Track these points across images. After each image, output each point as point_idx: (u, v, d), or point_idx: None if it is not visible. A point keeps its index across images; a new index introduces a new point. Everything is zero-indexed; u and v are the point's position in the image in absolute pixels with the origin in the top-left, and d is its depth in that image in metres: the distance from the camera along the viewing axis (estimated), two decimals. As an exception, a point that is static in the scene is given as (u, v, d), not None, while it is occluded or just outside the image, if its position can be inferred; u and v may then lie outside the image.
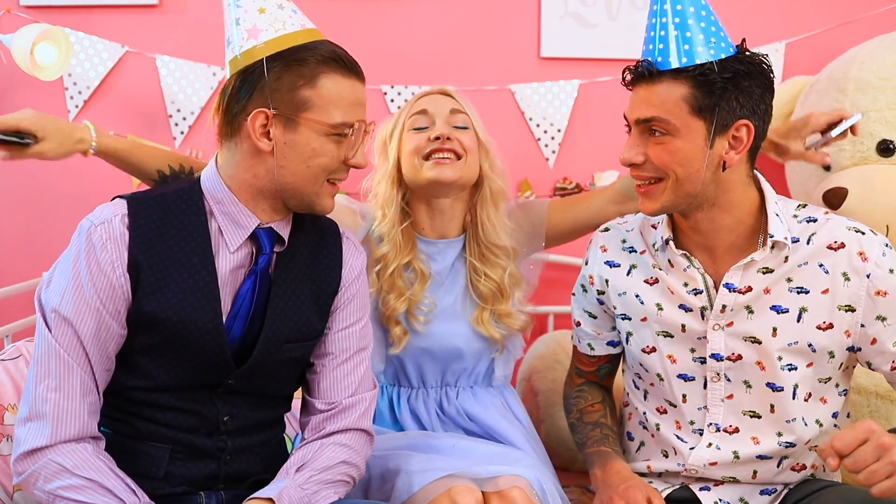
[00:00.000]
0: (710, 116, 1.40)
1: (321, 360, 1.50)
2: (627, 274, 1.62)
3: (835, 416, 1.55)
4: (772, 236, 1.45)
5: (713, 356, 1.51)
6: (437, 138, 1.71)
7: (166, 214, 1.37)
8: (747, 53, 1.44)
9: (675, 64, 1.40)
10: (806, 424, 1.51)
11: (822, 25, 2.56)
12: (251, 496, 1.34)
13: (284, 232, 1.44)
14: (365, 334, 1.55)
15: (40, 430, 1.28)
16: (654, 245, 1.58)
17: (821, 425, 1.53)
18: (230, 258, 1.40)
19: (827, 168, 2.17)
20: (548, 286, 1.97)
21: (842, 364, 1.51)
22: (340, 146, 1.38)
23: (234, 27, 1.40)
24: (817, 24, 2.57)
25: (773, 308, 1.48)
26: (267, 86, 1.34)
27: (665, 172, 1.43)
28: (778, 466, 1.54)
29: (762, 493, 1.54)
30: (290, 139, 1.35)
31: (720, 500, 1.54)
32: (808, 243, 1.47)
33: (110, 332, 1.33)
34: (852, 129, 1.50)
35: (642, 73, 1.43)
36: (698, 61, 1.39)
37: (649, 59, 1.43)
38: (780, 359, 1.48)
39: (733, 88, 1.39)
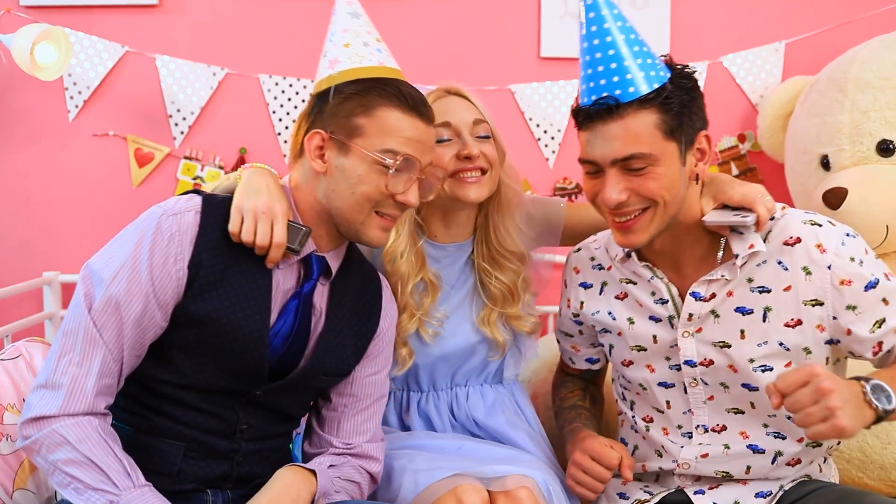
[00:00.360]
0: (679, 136, 1.39)
1: (343, 401, 1.56)
2: (600, 293, 1.64)
3: None
4: (737, 255, 1.44)
5: (687, 363, 1.52)
6: (468, 157, 1.64)
7: None
8: (678, 66, 1.43)
9: (639, 92, 1.36)
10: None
11: (822, 25, 2.56)
12: (293, 463, 1.43)
13: (334, 264, 1.48)
14: (386, 383, 1.63)
15: (52, 400, 1.29)
16: (615, 256, 1.58)
17: None
18: (282, 275, 1.43)
19: (826, 168, 2.17)
20: (546, 287, 1.97)
21: (828, 358, 1.48)
22: (385, 177, 1.39)
23: (321, 59, 1.48)
24: (817, 24, 2.56)
25: (738, 310, 1.47)
26: (328, 110, 1.41)
27: (654, 200, 1.41)
28: (773, 463, 1.53)
29: (757, 495, 1.54)
30: (341, 163, 1.40)
31: (714, 503, 1.54)
32: (764, 241, 1.45)
33: (153, 321, 1.34)
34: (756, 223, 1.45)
35: (607, 109, 1.37)
36: (656, 85, 1.37)
37: (606, 93, 1.37)
38: (751, 361, 1.47)
39: (690, 104, 1.40)
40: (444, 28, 2.59)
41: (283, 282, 1.43)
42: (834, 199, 2.03)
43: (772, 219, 1.46)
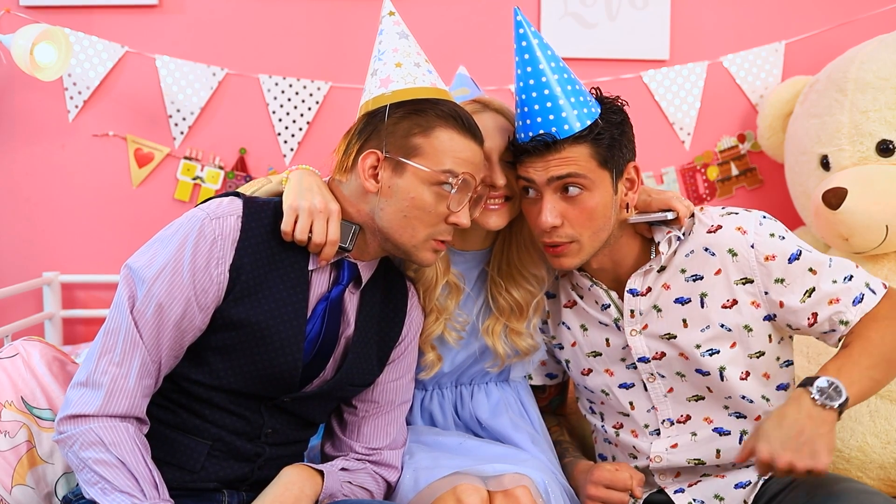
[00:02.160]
0: (611, 166, 1.48)
1: (365, 406, 1.57)
2: (560, 302, 1.71)
3: (781, 388, 1.59)
4: (658, 242, 1.54)
5: (640, 360, 1.59)
6: (493, 186, 1.57)
7: (277, 223, 1.40)
8: (609, 100, 1.51)
9: (572, 129, 1.44)
10: (751, 401, 1.55)
11: (822, 25, 2.56)
12: (302, 462, 1.46)
13: (366, 274, 1.49)
14: (410, 388, 1.64)
15: (91, 399, 1.30)
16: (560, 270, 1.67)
17: (767, 400, 1.57)
18: (316, 281, 1.44)
19: (826, 168, 2.17)
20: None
21: (770, 336, 1.54)
22: (440, 199, 1.40)
23: (370, 78, 1.49)
24: (817, 24, 2.57)
25: (677, 301, 1.55)
26: (384, 129, 1.40)
27: (578, 238, 1.49)
28: (740, 443, 1.56)
29: (737, 486, 1.58)
30: (395, 184, 1.40)
31: (694, 500, 1.58)
32: (688, 234, 1.54)
33: (192, 323, 1.35)
34: (677, 219, 1.57)
35: (545, 144, 1.45)
36: (589, 122, 1.46)
37: (542, 130, 1.45)
38: (698, 347, 1.53)
39: (620, 137, 1.49)
40: (444, 28, 2.59)
41: (317, 287, 1.44)
42: (834, 199, 2.03)
43: (691, 216, 1.55)
